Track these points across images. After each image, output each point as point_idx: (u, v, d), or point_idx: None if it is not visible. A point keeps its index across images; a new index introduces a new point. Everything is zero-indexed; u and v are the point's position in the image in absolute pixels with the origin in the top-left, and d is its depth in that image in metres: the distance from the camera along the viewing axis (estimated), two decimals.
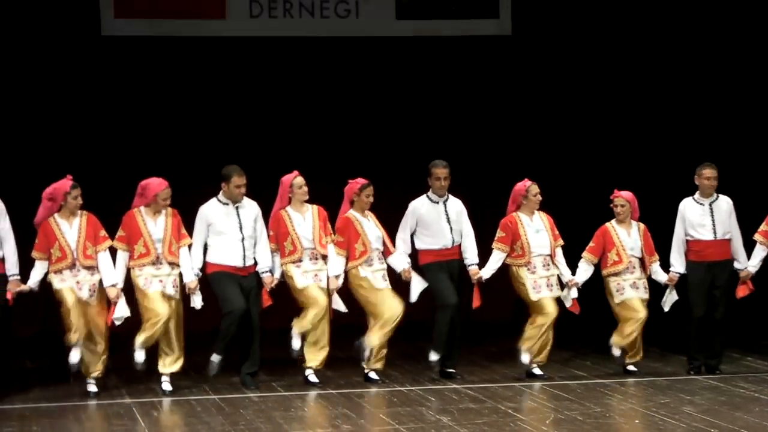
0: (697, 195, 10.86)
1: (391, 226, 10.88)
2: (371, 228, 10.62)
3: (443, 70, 14.64)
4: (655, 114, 14.72)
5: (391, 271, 10.72)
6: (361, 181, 10.70)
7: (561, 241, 10.89)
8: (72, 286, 10.05)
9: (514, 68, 14.72)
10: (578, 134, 14.79)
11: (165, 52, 14.10)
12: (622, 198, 10.88)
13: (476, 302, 10.71)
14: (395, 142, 14.50)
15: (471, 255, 10.77)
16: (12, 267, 10.02)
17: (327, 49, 14.39)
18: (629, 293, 10.76)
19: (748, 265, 10.81)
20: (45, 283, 10.16)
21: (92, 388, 10.19)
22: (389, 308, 10.44)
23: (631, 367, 10.89)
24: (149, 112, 14.14)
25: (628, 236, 10.85)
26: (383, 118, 14.58)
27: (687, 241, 10.82)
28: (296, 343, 10.43)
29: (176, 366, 10.32)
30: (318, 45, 14.34)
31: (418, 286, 10.67)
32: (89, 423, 9.41)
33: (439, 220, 10.70)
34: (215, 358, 10.34)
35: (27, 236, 10.25)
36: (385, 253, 10.66)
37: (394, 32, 14.35)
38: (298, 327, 10.40)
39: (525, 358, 10.69)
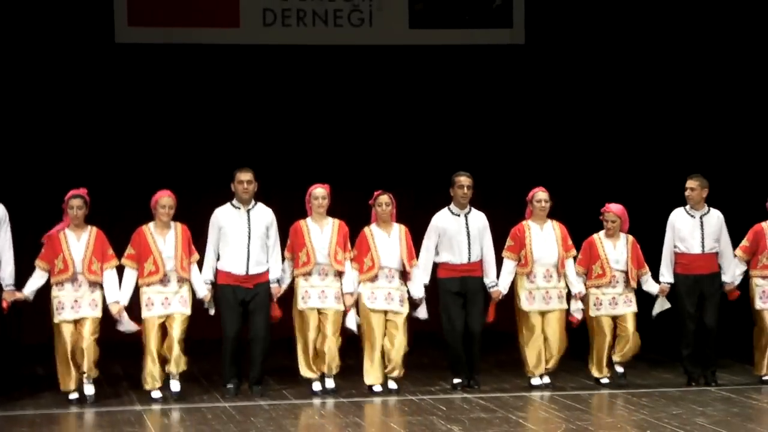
0: (688, 207, 10.85)
1: None
2: (388, 245, 10.51)
3: (456, 79, 14.65)
4: (663, 123, 14.72)
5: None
6: (376, 192, 10.66)
7: (574, 252, 10.84)
8: (68, 318, 9.99)
9: (527, 78, 14.72)
10: (590, 143, 14.77)
11: (178, 60, 14.14)
12: (613, 213, 10.82)
13: (490, 317, 10.67)
14: (407, 151, 14.51)
15: (490, 276, 10.67)
16: (8, 277, 10.01)
17: (340, 58, 14.41)
18: (605, 310, 10.74)
19: (733, 279, 10.85)
20: (42, 292, 10.15)
21: (89, 389, 10.10)
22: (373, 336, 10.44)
23: (619, 369, 10.84)
24: (163, 120, 14.17)
25: (613, 249, 10.80)
26: (396, 127, 14.58)
27: (675, 253, 10.82)
28: (317, 387, 10.41)
29: (181, 365, 10.18)
30: (331, 53, 14.35)
31: (424, 310, 10.64)
32: (99, 430, 9.39)
33: (458, 235, 10.61)
34: (228, 386, 10.33)
35: (33, 246, 10.26)
36: (404, 273, 10.55)
37: (408, 41, 14.37)
38: (304, 375, 10.43)
39: (537, 381, 10.70)
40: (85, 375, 10.09)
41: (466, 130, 14.67)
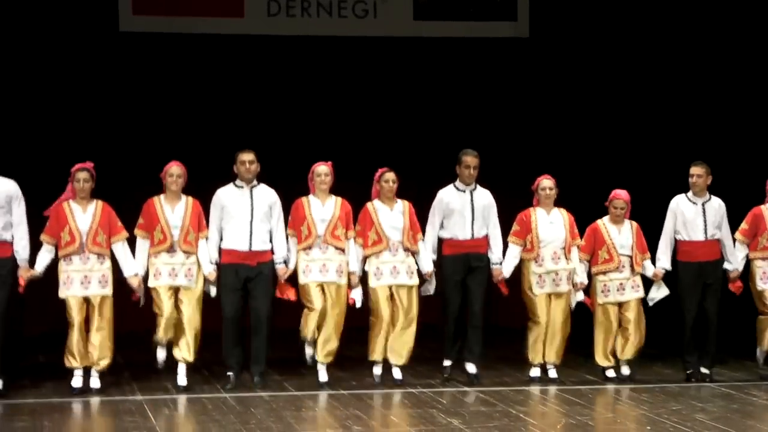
0: (690, 193, 10.87)
1: None
2: (391, 218, 10.51)
3: (460, 71, 14.65)
4: (665, 113, 14.71)
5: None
6: (381, 169, 10.67)
7: (579, 241, 10.84)
8: (77, 293, 10.00)
9: (530, 71, 14.72)
10: (593, 135, 14.78)
11: (182, 49, 14.13)
12: (623, 200, 10.84)
13: (504, 291, 10.71)
14: (411, 143, 14.50)
15: (496, 254, 10.68)
16: (22, 250, 10.03)
17: (344, 49, 14.40)
18: (612, 296, 10.77)
19: (737, 265, 10.88)
20: (52, 271, 10.14)
21: (96, 383, 10.13)
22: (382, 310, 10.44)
23: (625, 370, 10.86)
24: (166, 109, 14.17)
25: (618, 234, 10.82)
26: (399, 118, 14.58)
27: (677, 240, 10.85)
28: (309, 352, 10.41)
29: (190, 354, 10.22)
30: (335, 44, 14.35)
31: (433, 286, 10.63)
32: (101, 419, 9.44)
33: (462, 210, 10.59)
34: (229, 372, 10.33)
35: (42, 226, 10.26)
36: (409, 247, 10.53)
37: (412, 33, 14.37)
38: (304, 335, 10.37)
39: (535, 372, 10.74)
40: (94, 367, 10.09)
41: (469, 123, 14.66)
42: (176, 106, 14.18)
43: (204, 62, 14.20)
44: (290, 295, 10.40)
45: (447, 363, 10.75)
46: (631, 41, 14.61)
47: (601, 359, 10.83)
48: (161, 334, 10.15)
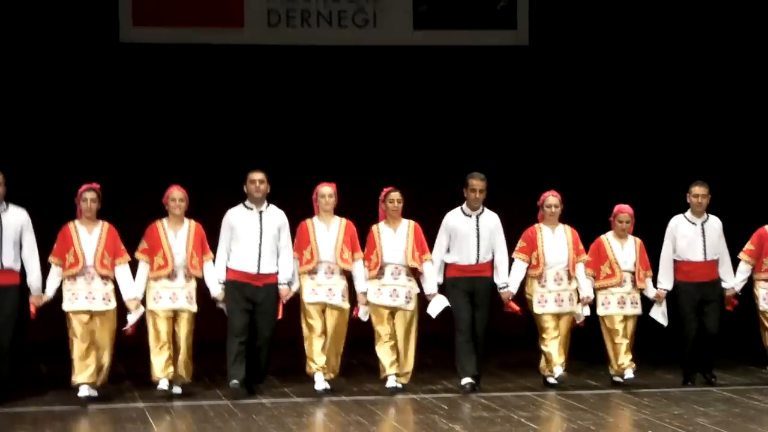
0: (688, 213, 10.81)
1: None
2: (392, 240, 10.53)
3: (460, 80, 14.67)
4: (665, 123, 14.73)
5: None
6: (386, 189, 10.67)
7: (585, 257, 10.82)
8: (82, 308, 10.03)
9: (531, 79, 14.73)
10: (594, 142, 14.78)
11: (183, 60, 14.16)
12: (627, 214, 10.85)
13: (517, 310, 10.69)
14: (411, 151, 14.51)
15: (501, 277, 10.64)
16: (35, 281, 10.09)
17: (344, 59, 14.42)
18: (613, 309, 10.77)
19: (734, 284, 10.85)
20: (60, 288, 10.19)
21: (92, 392, 10.12)
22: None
23: (619, 379, 10.81)
24: (167, 121, 14.18)
25: (621, 249, 10.82)
26: (400, 127, 14.59)
27: (675, 261, 10.79)
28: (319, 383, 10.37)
29: (184, 373, 10.28)
30: (336, 54, 14.37)
31: (438, 305, 10.60)
32: (102, 426, 9.43)
33: (467, 235, 10.56)
34: (231, 383, 10.22)
35: (45, 246, 10.25)
36: (413, 269, 10.55)
37: (412, 42, 14.39)
38: (311, 368, 10.38)
39: (559, 373, 10.64)
40: (94, 382, 10.14)
41: (469, 131, 14.68)
42: (177, 116, 14.19)
43: (204, 73, 14.22)
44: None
45: (465, 381, 10.48)
46: (631, 49, 14.63)
47: (615, 373, 10.81)
48: (158, 373, 10.12)
